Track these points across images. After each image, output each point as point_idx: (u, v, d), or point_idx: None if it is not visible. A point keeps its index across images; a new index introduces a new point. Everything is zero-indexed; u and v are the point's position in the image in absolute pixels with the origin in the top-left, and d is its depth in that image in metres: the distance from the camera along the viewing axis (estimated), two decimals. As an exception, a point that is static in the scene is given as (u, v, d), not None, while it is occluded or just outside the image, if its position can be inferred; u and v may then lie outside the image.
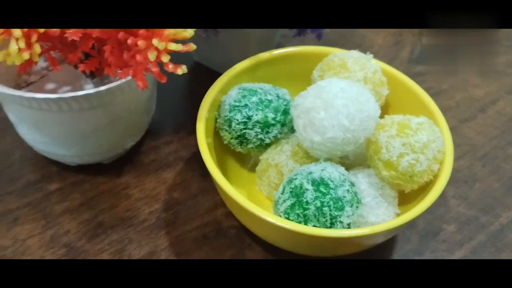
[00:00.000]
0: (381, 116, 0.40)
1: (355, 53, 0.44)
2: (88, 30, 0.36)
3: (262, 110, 0.41)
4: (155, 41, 0.34)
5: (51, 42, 0.38)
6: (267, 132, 0.42)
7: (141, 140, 0.49)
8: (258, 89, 0.42)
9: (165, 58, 0.35)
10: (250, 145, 0.42)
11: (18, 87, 0.45)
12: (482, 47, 0.65)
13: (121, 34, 0.35)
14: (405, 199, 0.41)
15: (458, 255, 0.43)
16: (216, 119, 0.43)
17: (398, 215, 0.40)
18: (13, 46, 0.34)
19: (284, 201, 0.37)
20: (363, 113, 0.37)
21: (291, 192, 0.37)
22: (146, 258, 0.41)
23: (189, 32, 0.35)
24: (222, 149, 0.44)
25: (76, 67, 0.40)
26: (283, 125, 0.42)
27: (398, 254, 0.43)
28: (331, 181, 0.36)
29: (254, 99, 0.41)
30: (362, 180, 0.40)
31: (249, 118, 0.41)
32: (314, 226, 0.36)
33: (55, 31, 0.35)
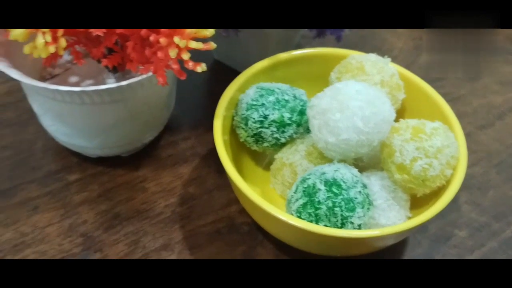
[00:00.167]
0: (397, 120, 0.40)
1: (373, 56, 0.44)
2: (112, 26, 0.36)
3: (278, 109, 0.42)
4: (176, 39, 0.34)
5: (76, 37, 0.39)
6: (283, 132, 0.42)
7: (160, 135, 0.50)
8: (275, 88, 0.43)
9: (186, 56, 0.35)
10: (265, 144, 0.43)
11: (43, 79, 0.46)
12: (506, 57, 0.65)
13: (143, 31, 0.36)
14: (417, 203, 0.41)
15: (468, 261, 0.43)
16: (233, 117, 0.44)
17: (409, 218, 0.40)
18: (40, 40, 0.35)
19: (297, 200, 0.37)
20: (378, 116, 0.38)
21: (303, 191, 0.37)
22: (160, 251, 0.42)
23: (209, 31, 0.36)
24: (238, 147, 0.45)
25: (99, 61, 0.41)
26: (298, 125, 0.42)
27: (408, 257, 0.43)
28: (344, 182, 0.37)
29: (271, 98, 0.42)
30: (375, 183, 0.40)
31: (265, 117, 0.42)
32: (325, 225, 0.36)
33: (80, 26, 0.36)
